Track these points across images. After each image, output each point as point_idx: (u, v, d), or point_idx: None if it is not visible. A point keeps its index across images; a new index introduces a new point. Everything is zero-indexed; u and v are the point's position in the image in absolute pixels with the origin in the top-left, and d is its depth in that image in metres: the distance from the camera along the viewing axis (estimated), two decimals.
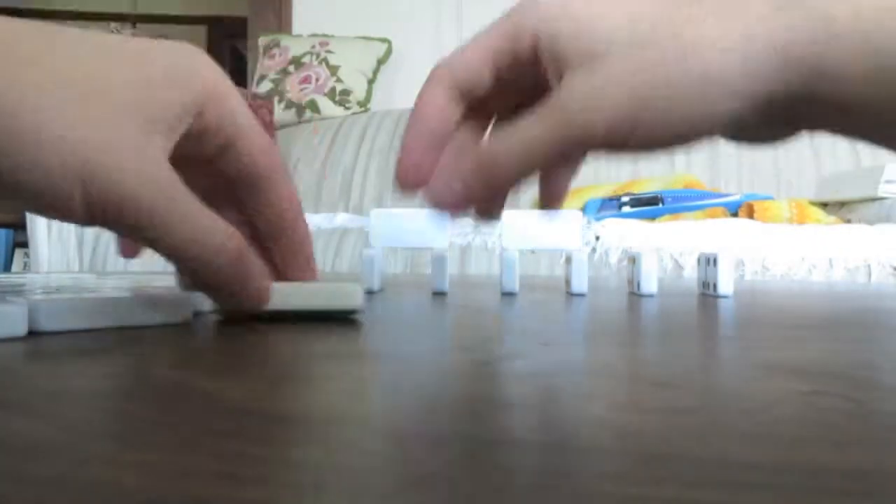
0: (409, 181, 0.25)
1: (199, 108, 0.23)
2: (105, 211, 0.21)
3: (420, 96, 0.25)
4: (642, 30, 0.22)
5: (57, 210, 0.20)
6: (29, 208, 0.21)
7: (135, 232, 0.21)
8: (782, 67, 0.20)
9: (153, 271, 0.48)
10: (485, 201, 0.25)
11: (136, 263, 1.20)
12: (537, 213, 0.30)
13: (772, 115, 0.21)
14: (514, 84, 0.25)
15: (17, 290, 0.27)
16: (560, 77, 0.23)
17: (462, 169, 0.23)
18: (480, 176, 0.23)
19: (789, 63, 0.20)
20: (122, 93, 0.21)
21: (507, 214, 0.42)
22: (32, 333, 0.21)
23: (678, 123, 0.21)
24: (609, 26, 0.22)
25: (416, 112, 0.25)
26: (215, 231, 0.22)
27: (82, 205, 0.20)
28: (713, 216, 1.26)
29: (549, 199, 0.29)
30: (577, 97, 0.22)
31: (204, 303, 0.28)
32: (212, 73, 0.24)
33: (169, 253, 0.22)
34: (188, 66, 0.23)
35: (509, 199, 0.26)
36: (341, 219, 1.38)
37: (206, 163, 0.25)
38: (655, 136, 0.22)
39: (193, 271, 0.23)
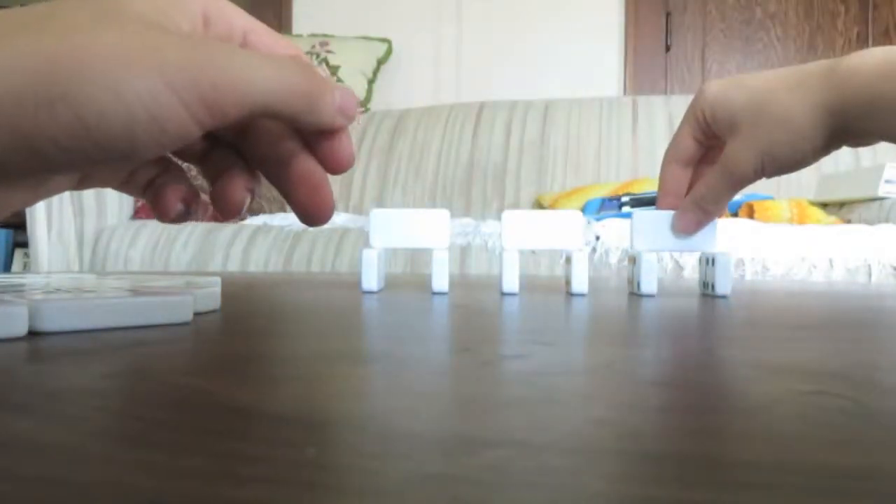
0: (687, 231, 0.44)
1: (205, 17, 0.24)
2: (202, 96, 0.20)
3: (661, 178, 0.45)
4: (756, 105, 0.40)
5: (164, 129, 0.20)
6: (136, 152, 0.20)
7: (233, 99, 0.21)
8: (830, 117, 0.38)
9: (152, 271, 0.48)
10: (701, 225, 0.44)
11: (136, 263, 1.20)
12: (537, 213, 0.39)
13: (838, 137, 0.39)
14: (710, 136, 0.44)
15: (18, 291, 0.27)
16: (723, 136, 0.42)
17: (688, 215, 0.43)
18: (699, 214, 0.43)
19: (831, 113, 0.38)
20: (147, 15, 0.21)
21: (507, 214, 0.42)
22: (32, 333, 0.21)
23: (789, 158, 0.39)
24: (739, 105, 0.41)
25: (661, 188, 0.45)
26: (285, 59, 0.23)
27: (183, 106, 0.20)
28: None
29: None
30: (731, 157, 0.41)
31: (205, 303, 0.28)
32: None
33: (267, 98, 0.22)
34: None
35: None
36: (341, 219, 1.38)
37: None
38: (778, 168, 0.40)
39: (286, 108, 0.22)
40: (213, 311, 0.28)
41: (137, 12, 0.21)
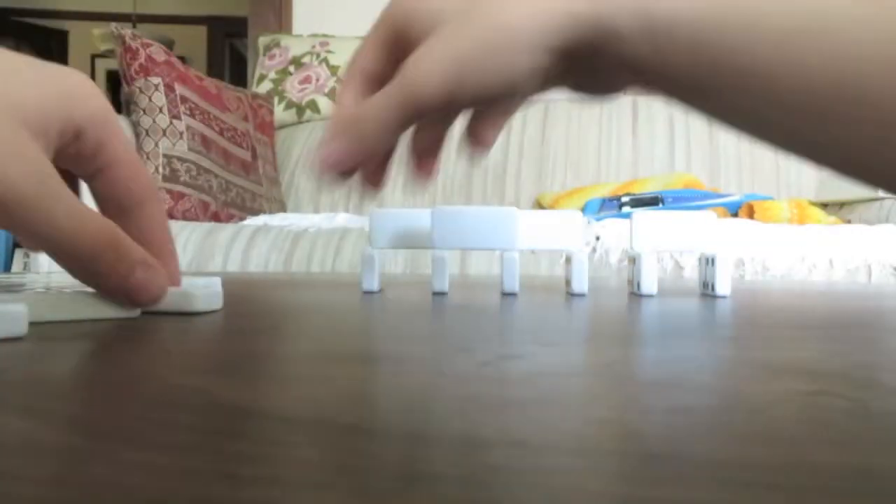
0: (335, 168, 0.30)
1: (80, 130, 0.25)
2: (9, 225, 0.22)
3: (338, 97, 0.31)
4: (466, 4, 0.27)
5: None
6: None
7: (19, 224, 0.22)
8: (573, 25, 0.25)
9: None
10: (361, 164, 0.30)
11: None
12: (538, 213, 0.36)
13: (578, 68, 0.27)
14: (397, 49, 0.29)
15: (16, 290, 0.27)
16: (414, 40, 0.28)
17: (335, 129, 0.29)
18: (349, 134, 0.29)
19: (578, 22, 0.25)
20: (8, 97, 0.22)
21: (507, 215, 0.42)
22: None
23: (493, 75, 0.26)
24: (443, 4, 0.27)
25: (335, 112, 0.31)
26: (91, 220, 0.23)
27: None
28: None
29: (422, 154, 0.35)
30: (412, 64, 0.27)
31: (207, 302, 0.28)
32: (99, 101, 0.25)
33: (49, 244, 0.23)
34: (77, 89, 0.25)
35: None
36: (341, 219, 1.38)
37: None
38: (476, 86, 0.26)
39: (74, 263, 0.23)
40: (216, 312, 0.28)
41: (8, 94, 0.22)
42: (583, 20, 0.25)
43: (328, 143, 0.29)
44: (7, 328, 0.20)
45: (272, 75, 1.97)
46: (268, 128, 1.77)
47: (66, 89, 0.24)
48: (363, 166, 0.31)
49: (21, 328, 0.21)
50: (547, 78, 0.27)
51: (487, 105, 0.29)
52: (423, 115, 0.28)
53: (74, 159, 0.25)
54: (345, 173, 0.30)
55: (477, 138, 0.34)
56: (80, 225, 0.23)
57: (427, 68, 0.27)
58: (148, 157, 1.36)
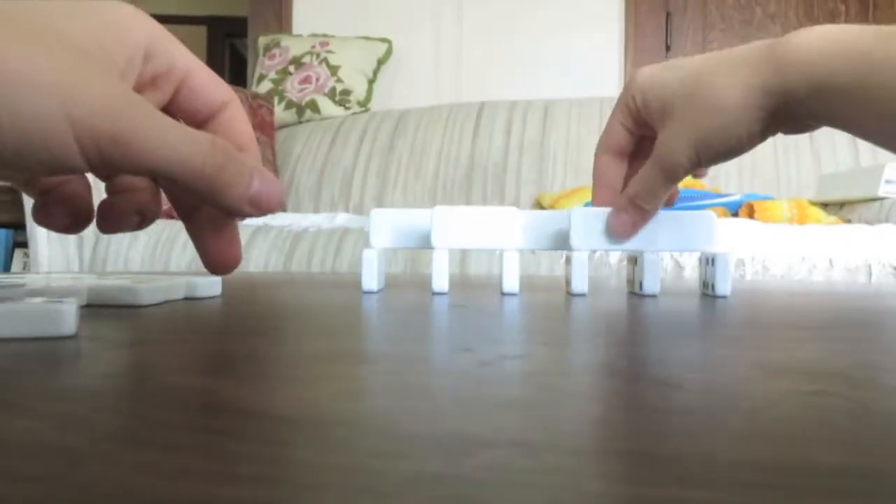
0: (615, 232, 0.41)
1: (147, 51, 0.24)
2: (98, 144, 0.20)
3: (594, 171, 0.42)
4: (689, 89, 0.37)
5: (54, 156, 0.20)
6: (26, 166, 0.20)
7: (129, 158, 0.21)
8: (770, 98, 0.35)
9: (153, 271, 0.48)
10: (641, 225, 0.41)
11: (136, 264, 1.20)
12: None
13: (776, 123, 0.36)
14: (642, 124, 0.40)
15: (15, 290, 0.27)
16: (654, 124, 0.39)
17: (623, 216, 0.40)
18: (635, 214, 0.40)
19: (774, 94, 0.34)
20: (81, 40, 0.21)
21: (507, 214, 0.42)
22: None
23: (723, 146, 0.36)
24: (671, 90, 0.37)
25: (595, 181, 0.42)
26: (201, 136, 0.22)
27: (77, 144, 0.20)
28: None
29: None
30: (663, 148, 0.37)
31: (202, 288, 0.28)
32: (150, 23, 0.25)
33: (166, 169, 0.21)
34: (129, 16, 0.24)
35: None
36: (341, 219, 1.38)
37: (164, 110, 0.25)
38: (714, 156, 0.37)
39: (197, 183, 0.22)
40: (215, 311, 0.28)
41: (70, 35, 0.21)
42: (777, 92, 0.34)
43: (615, 214, 0.40)
44: (56, 328, 0.20)
45: (272, 75, 1.97)
46: (268, 128, 1.77)
47: (113, 18, 0.23)
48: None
49: (71, 327, 0.21)
50: (759, 136, 0.36)
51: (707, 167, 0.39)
52: (677, 182, 0.39)
53: (154, 83, 0.25)
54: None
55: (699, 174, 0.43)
56: (194, 143, 0.22)
57: (677, 151, 0.37)
58: None
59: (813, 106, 0.34)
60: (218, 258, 0.27)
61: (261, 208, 0.24)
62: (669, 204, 0.41)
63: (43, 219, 0.26)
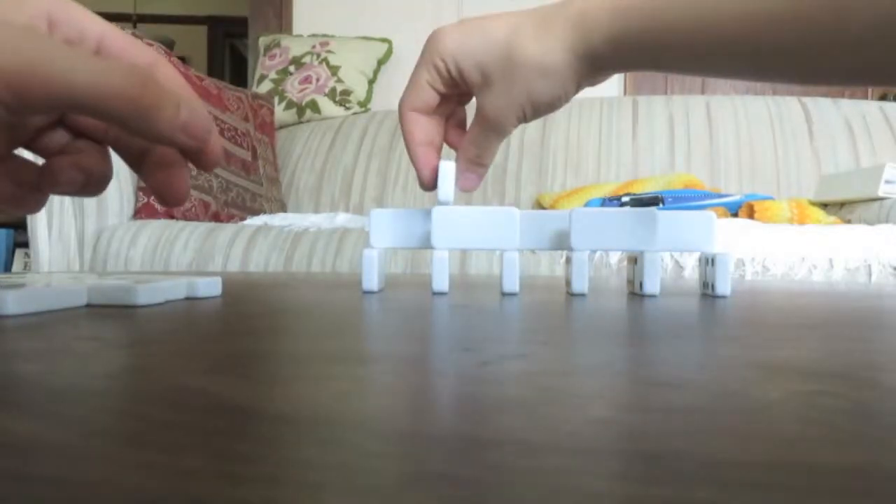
0: (430, 184, 0.43)
1: (50, 18, 0.24)
2: (4, 78, 0.20)
3: (404, 129, 0.44)
4: (505, 56, 0.39)
5: None
6: None
7: (42, 90, 0.20)
8: (578, 61, 0.39)
9: (153, 271, 0.48)
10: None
11: (137, 263, 1.20)
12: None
13: (589, 75, 0.40)
14: (453, 86, 0.42)
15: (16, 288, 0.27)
16: (473, 88, 0.42)
17: (468, 175, 0.44)
18: (479, 170, 0.45)
19: (579, 57, 0.39)
20: None
21: (507, 214, 0.42)
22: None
23: (545, 103, 0.41)
24: (486, 57, 0.40)
25: (406, 140, 0.44)
26: (116, 62, 0.22)
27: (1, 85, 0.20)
28: None
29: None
30: (491, 110, 0.41)
31: (202, 288, 0.28)
32: None
33: (83, 96, 0.21)
34: None
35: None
36: (341, 219, 1.38)
37: None
38: (538, 114, 0.42)
39: (119, 110, 0.22)
40: (216, 311, 0.28)
41: None
42: (584, 54, 0.39)
43: (462, 175, 0.44)
44: (70, 300, 0.22)
45: (272, 75, 1.97)
46: (268, 128, 1.77)
47: None
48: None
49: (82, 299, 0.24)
50: (574, 90, 0.41)
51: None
52: (506, 136, 0.43)
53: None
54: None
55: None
56: (109, 68, 0.21)
57: (505, 112, 0.41)
58: None
59: (616, 59, 0.39)
60: (169, 192, 0.28)
61: (194, 136, 0.24)
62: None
63: (47, 179, 0.26)
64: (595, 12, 0.38)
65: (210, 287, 0.36)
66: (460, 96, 0.44)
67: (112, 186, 1.31)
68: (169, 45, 4.15)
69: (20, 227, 1.94)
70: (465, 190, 0.44)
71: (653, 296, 0.41)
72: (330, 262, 1.11)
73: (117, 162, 0.29)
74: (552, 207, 1.53)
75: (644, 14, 0.37)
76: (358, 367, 0.17)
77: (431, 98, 0.43)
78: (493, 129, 0.42)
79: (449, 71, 0.41)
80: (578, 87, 0.41)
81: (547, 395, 0.14)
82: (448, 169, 0.42)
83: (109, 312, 0.28)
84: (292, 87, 1.93)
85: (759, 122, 1.67)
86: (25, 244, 1.82)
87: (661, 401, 0.14)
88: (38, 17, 0.23)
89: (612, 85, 2.06)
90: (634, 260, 0.43)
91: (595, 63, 0.39)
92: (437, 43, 0.41)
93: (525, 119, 0.41)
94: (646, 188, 1.50)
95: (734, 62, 0.37)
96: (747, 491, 0.09)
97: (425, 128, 0.44)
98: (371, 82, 2.01)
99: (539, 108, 0.41)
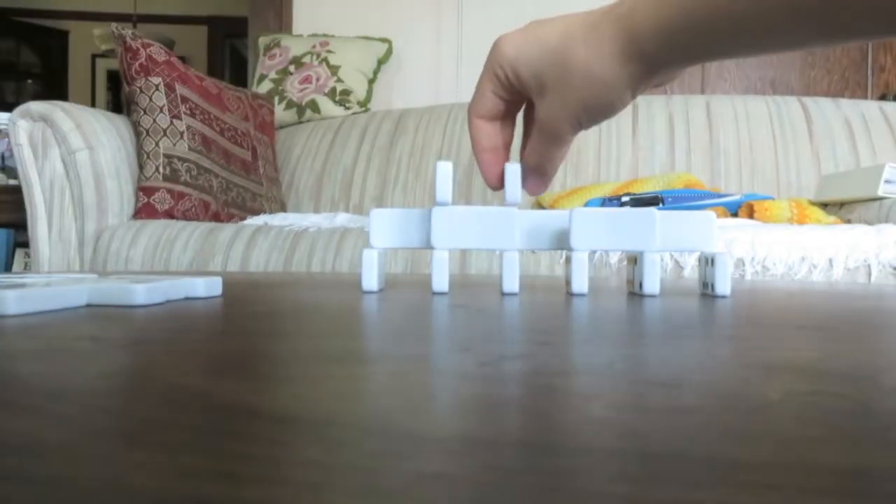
0: (496, 186, 0.45)
1: None
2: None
3: (471, 135, 0.45)
4: (559, 63, 0.39)
5: None
6: None
7: None
8: (631, 66, 0.38)
9: (153, 271, 0.48)
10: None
11: (137, 263, 1.20)
12: (538, 213, 0.43)
13: (643, 80, 0.39)
14: (515, 93, 0.43)
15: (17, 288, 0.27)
16: (531, 96, 0.42)
17: (532, 181, 0.45)
18: (543, 178, 0.45)
19: (631, 61, 0.38)
20: None
21: (507, 214, 0.42)
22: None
23: (600, 111, 0.40)
24: (540, 64, 0.40)
25: (473, 145, 0.45)
26: None
27: None
28: None
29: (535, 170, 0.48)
30: (547, 119, 0.41)
31: (202, 288, 0.28)
32: None
33: None
34: None
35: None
36: (341, 219, 1.38)
37: None
38: (593, 121, 0.41)
39: None
40: (216, 311, 0.28)
41: None
42: (636, 58, 0.38)
43: (526, 182, 0.45)
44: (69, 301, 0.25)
45: (272, 75, 1.97)
46: (268, 128, 1.77)
47: None
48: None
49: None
50: (630, 96, 0.40)
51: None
52: (567, 144, 0.43)
53: None
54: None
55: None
56: None
57: (560, 121, 0.41)
58: (148, 157, 1.36)
59: (667, 53, 0.37)
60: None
61: None
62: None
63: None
64: (644, 8, 0.37)
65: (210, 287, 0.36)
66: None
67: (112, 186, 1.31)
68: (169, 45, 4.15)
69: (20, 226, 1.94)
70: (532, 194, 0.45)
71: (653, 296, 0.41)
72: (330, 262, 1.11)
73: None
74: (552, 207, 1.53)
75: (688, 6, 0.35)
76: (358, 367, 0.17)
77: (496, 105, 0.43)
78: (551, 138, 0.42)
79: (508, 79, 0.42)
80: (635, 93, 0.40)
81: (547, 395, 0.14)
82: (446, 169, 0.42)
83: (109, 312, 0.28)
84: (292, 87, 1.93)
85: (759, 122, 1.67)
86: (25, 244, 1.82)
87: (661, 401, 0.14)
88: None
89: None
90: (634, 260, 0.43)
91: (646, 62, 0.38)
92: (498, 50, 0.42)
93: (581, 127, 0.41)
94: (646, 188, 1.50)
95: (798, 25, 0.33)
96: (747, 491, 0.09)
97: (490, 134, 0.44)
98: (371, 82, 2.01)
99: (594, 116, 0.40)
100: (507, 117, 0.45)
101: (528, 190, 0.45)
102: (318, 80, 1.93)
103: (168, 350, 0.20)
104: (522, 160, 0.44)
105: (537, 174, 0.44)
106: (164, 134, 1.38)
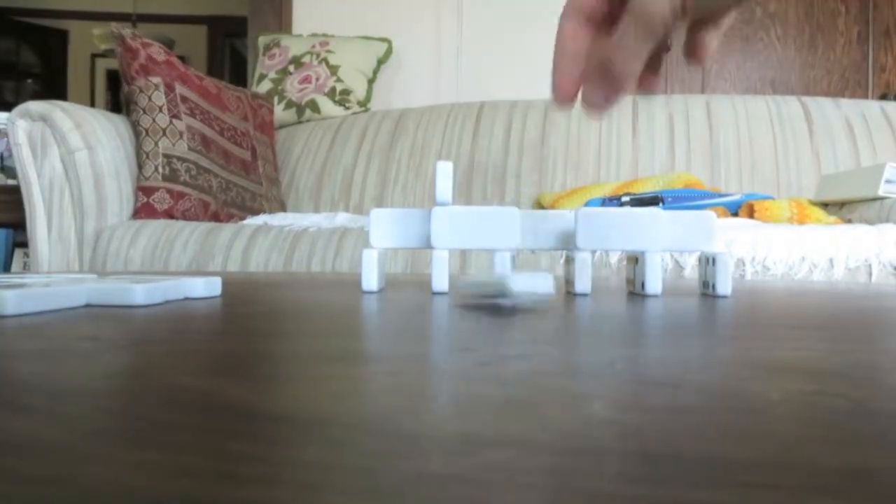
0: (566, 95, 0.36)
1: None
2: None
3: (557, 34, 0.36)
4: None
5: None
6: None
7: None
8: None
9: (153, 271, 0.48)
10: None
11: (136, 263, 1.20)
12: (538, 213, 0.40)
13: None
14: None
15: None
16: None
17: (596, 89, 0.35)
18: (612, 83, 0.35)
19: None
20: None
21: (507, 214, 0.42)
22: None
23: None
24: None
25: (557, 45, 0.36)
26: None
27: None
28: None
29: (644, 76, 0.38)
30: (639, 4, 0.32)
31: (202, 288, 0.28)
32: None
33: None
34: None
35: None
36: (341, 219, 1.38)
37: None
38: (699, 5, 0.32)
39: None
40: (216, 310, 0.28)
41: None
42: None
43: (591, 88, 0.35)
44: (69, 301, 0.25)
45: (272, 75, 1.97)
46: (268, 127, 1.77)
47: None
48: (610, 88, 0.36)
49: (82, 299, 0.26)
50: None
51: (700, 22, 0.36)
52: (659, 40, 0.33)
53: None
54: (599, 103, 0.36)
55: (696, 54, 0.38)
56: None
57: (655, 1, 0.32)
58: (148, 157, 1.36)
59: None
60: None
61: None
62: (657, 86, 0.39)
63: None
64: None
65: (210, 287, 0.36)
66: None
67: (111, 186, 1.31)
68: (169, 44, 4.15)
69: (20, 227, 1.94)
70: (588, 109, 0.36)
71: (654, 296, 0.41)
72: (330, 262, 1.11)
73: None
74: (552, 207, 1.53)
75: None
76: (358, 367, 0.17)
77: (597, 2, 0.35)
78: (640, 21, 0.32)
79: None
80: None
81: (547, 395, 0.14)
82: (446, 169, 0.42)
83: (109, 312, 0.28)
84: (292, 87, 1.93)
85: (759, 121, 1.67)
86: (25, 244, 1.82)
87: (661, 401, 0.14)
88: None
89: None
90: (635, 259, 0.43)
91: None
92: None
93: (684, 12, 0.32)
94: (646, 188, 1.50)
95: None
96: (747, 491, 0.09)
97: (579, 37, 0.36)
98: (371, 82, 2.01)
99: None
100: (602, 27, 0.36)
101: (587, 99, 0.36)
102: (317, 79, 1.93)
103: (168, 350, 0.20)
104: (593, 59, 0.35)
105: (606, 77, 0.35)
106: (164, 134, 1.38)
